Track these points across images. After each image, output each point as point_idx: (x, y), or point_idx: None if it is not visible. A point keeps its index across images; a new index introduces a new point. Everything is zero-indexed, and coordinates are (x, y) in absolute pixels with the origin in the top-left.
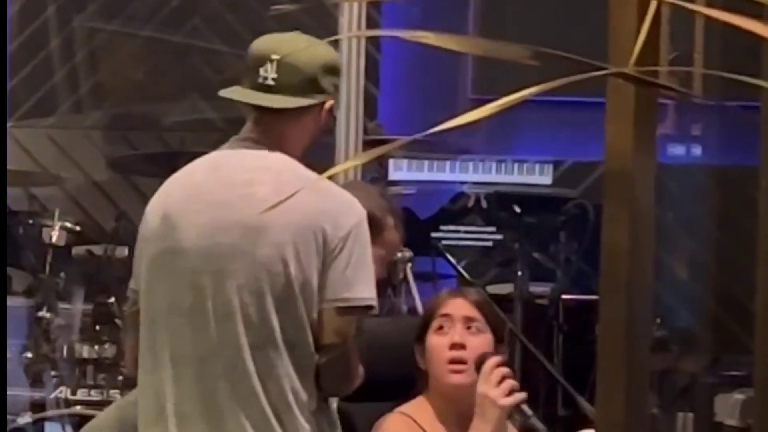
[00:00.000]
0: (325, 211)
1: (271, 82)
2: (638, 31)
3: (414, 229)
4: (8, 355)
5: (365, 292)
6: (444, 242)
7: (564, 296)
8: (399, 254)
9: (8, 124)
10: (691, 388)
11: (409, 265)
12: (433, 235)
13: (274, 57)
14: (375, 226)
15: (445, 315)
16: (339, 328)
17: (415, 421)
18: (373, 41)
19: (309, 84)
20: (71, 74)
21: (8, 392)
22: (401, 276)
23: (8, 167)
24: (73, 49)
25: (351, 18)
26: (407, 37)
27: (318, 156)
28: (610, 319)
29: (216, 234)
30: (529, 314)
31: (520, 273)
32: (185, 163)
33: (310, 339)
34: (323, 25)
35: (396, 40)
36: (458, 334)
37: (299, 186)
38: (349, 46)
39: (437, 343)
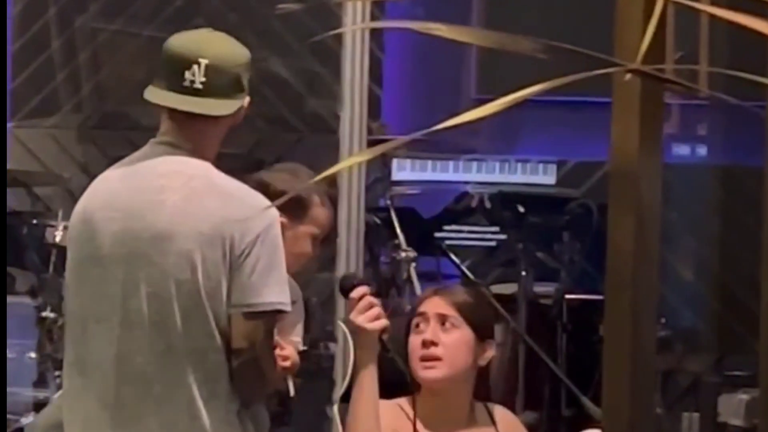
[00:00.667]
0: (233, 218)
1: (199, 86)
2: (645, 30)
3: (418, 228)
4: (12, 355)
5: (273, 296)
6: (447, 242)
7: (568, 296)
8: (403, 254)
9: (11, 125)
10: (695, 388)
11: (413, 265)
12: (437, 235)
13: (203, 61)
14: (300, 204)
15: (421, 314)
16: (247, 333)
17: (403, 410)
18: (376, 41)
19: (235, 85)
20: (73, 74)
21: (12, 392)
22: (405, 276)
23: (11, 167)
24: (75, 49)
25: (355, 17)
26: (418, 29)
27: (322, 156)
28: (616, 319)
29: (128, 242)
30: (533, 314)
31: (524, 273)
32: None
33: (220, 344)
34: (326, 24)
35: (399, 41)
36: (431, 332)
37: (209, 193)
38: (353, 45)
39: (412, 341)
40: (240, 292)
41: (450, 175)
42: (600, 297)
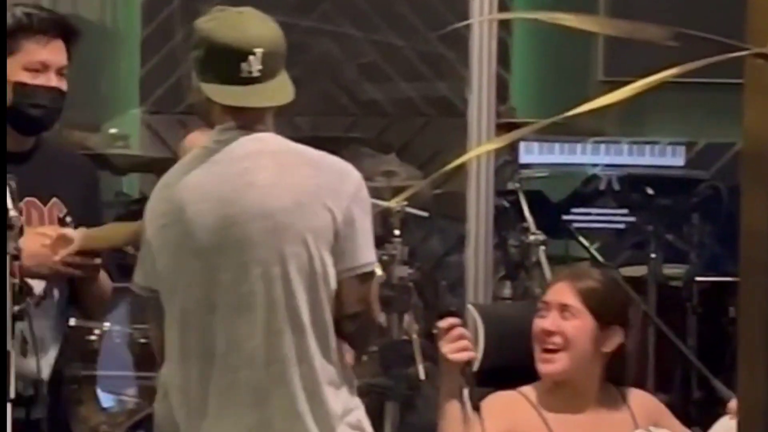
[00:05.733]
0: (325, 185)
1: (257, 74)
2: None
3: (546, 212)
4: None
5: (373, 256)
6: (576, 225)
7: (698, 278)
8: (532, 237)
9: (140, 110)
10: None
11: (542, 248)
12: (565, 217)
13: (258, 51)
14: None
15: (544, 302)
16: (362, 294)
17: (527, 398)
18: (503, 24)
19: (282, 60)
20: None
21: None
22: (534, 259)
23: (142, 154)
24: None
25: (482, 2)
26: (545, 19)
27: (450, 140)
28: (750, 301)
29: (228, 229)
30: (662, 296)
31: (653, 255)
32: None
33: (328, 315)
34: (453, 7)
35: (526, 24)
36: (550, 321)
37: (298, 164)
38: (481, 29)
39: (535, 326)
40: (350, 256)
41: (578, 158)
42: (730, 279)
